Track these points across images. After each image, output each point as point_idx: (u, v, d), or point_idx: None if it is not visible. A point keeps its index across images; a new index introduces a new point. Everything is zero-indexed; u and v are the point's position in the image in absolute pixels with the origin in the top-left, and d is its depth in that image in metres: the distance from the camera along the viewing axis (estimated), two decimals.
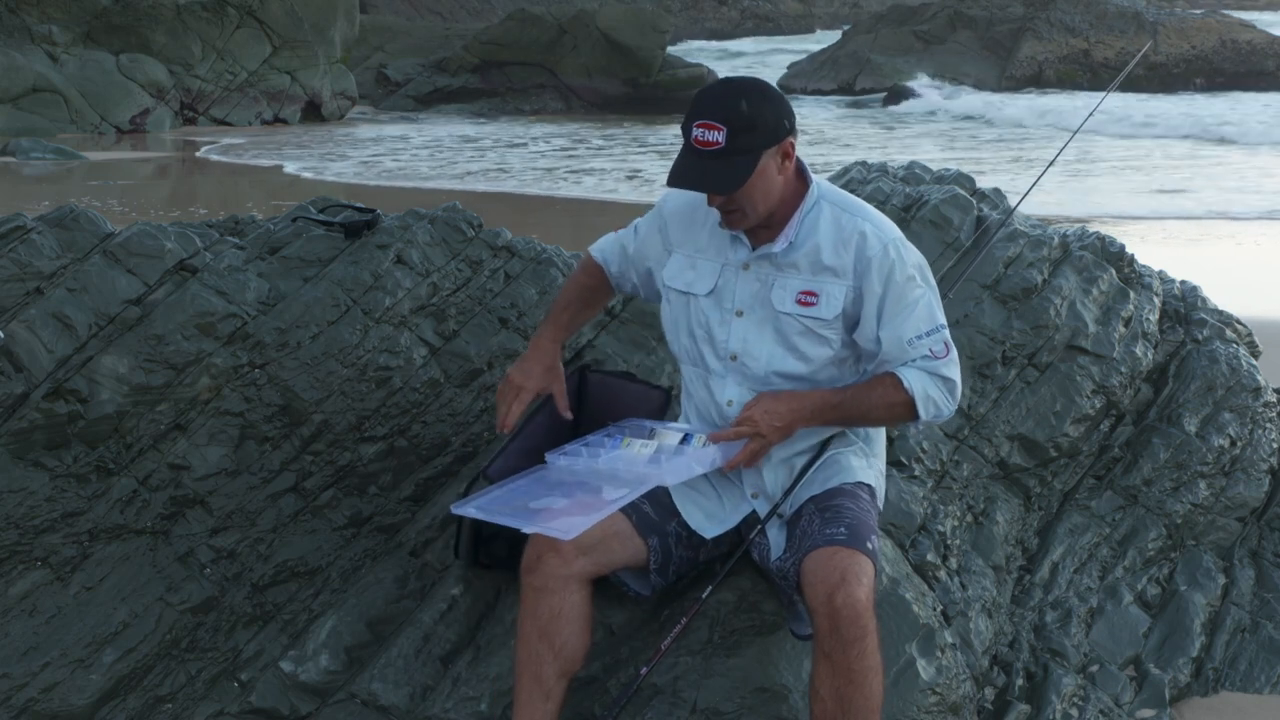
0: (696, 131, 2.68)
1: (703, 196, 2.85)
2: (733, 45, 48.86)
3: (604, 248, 3.19)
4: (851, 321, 2.82)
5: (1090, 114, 4.10)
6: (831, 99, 32.37)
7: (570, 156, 20.07)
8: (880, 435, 3.06)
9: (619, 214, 12.93)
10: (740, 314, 2.84)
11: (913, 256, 2.84)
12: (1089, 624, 3.64)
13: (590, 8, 32.10)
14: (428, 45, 35.00)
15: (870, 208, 2.90)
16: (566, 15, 31.60)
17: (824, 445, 2.90)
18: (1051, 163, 4.12)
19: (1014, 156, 19.38)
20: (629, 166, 18.61)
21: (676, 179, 2.75)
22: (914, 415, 2.80)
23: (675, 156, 2.77)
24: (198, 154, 20.55)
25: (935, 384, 2.80)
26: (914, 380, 2.78)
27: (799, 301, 2.81)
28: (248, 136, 23.07)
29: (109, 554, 3.24)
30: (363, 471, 3.51)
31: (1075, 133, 4.01)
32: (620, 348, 3.82)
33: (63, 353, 3.35)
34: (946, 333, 2.83)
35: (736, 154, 2.67)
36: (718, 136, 2.66)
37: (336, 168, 18.57)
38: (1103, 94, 4.11)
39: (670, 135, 23.32)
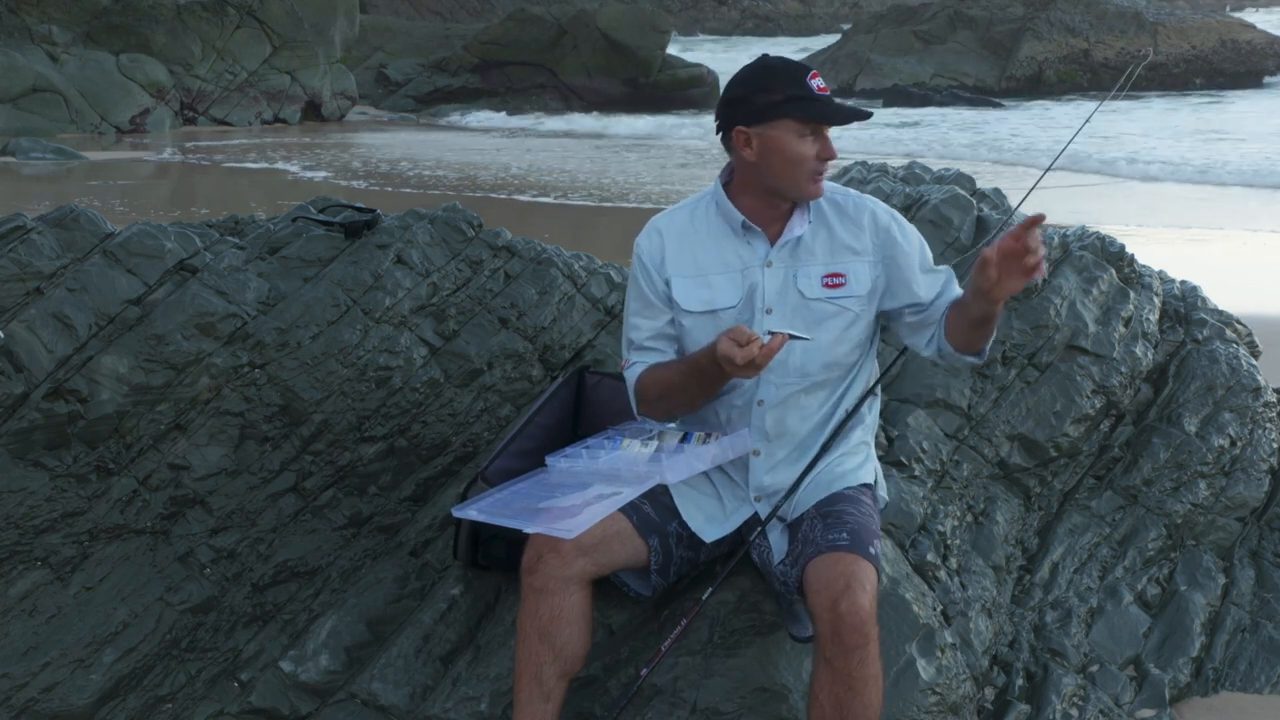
0: (816, 82, 2.80)
1: (681, 221, 2.94)
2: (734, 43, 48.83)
3: (638, 362, 2.94)
4: (884, 292, 2.90)
5: (1088, 119, 4.10)
6: None
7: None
8: (875, 424, 3.08)
9: (619, 216, 13.03)
10: (769, 311, 2.85)
11: None
12: (1089, 624, 3.63)
13: (590, 8, 32.10)
14: (428, 45, 35.02)
15: (855, 191, 3.01)
16: (566, 15, 31.62)
17: (824, 449, 2.90)
18: (1050, 166, 4.11)
19: None
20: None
21: (838, 115, 2.79)
22: (989, 340, 2.83)
23: (799, 104, 2.77)
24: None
25: None
26: None
27: (826, 285, 2.86)
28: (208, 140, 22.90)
29: (109, 554, 3.24)
30: (363, 471, 3.51)
31: (1074, 137, 4.01)
32: (620, 347, 3.82)
33: (63, 353, 3.35)
34: None
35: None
36: (830, 86, 2.83)
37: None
38: (1096, 104, 4.11)
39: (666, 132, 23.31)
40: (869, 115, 2.83)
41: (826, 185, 2.96)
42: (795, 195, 2.85)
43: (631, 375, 2.92)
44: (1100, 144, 19.38)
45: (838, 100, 2.82)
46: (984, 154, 20.44)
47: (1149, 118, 25.18)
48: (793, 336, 2.65)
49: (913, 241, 2.92)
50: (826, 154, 2.80)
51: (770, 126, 2.77)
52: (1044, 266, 2.60)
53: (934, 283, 2.91)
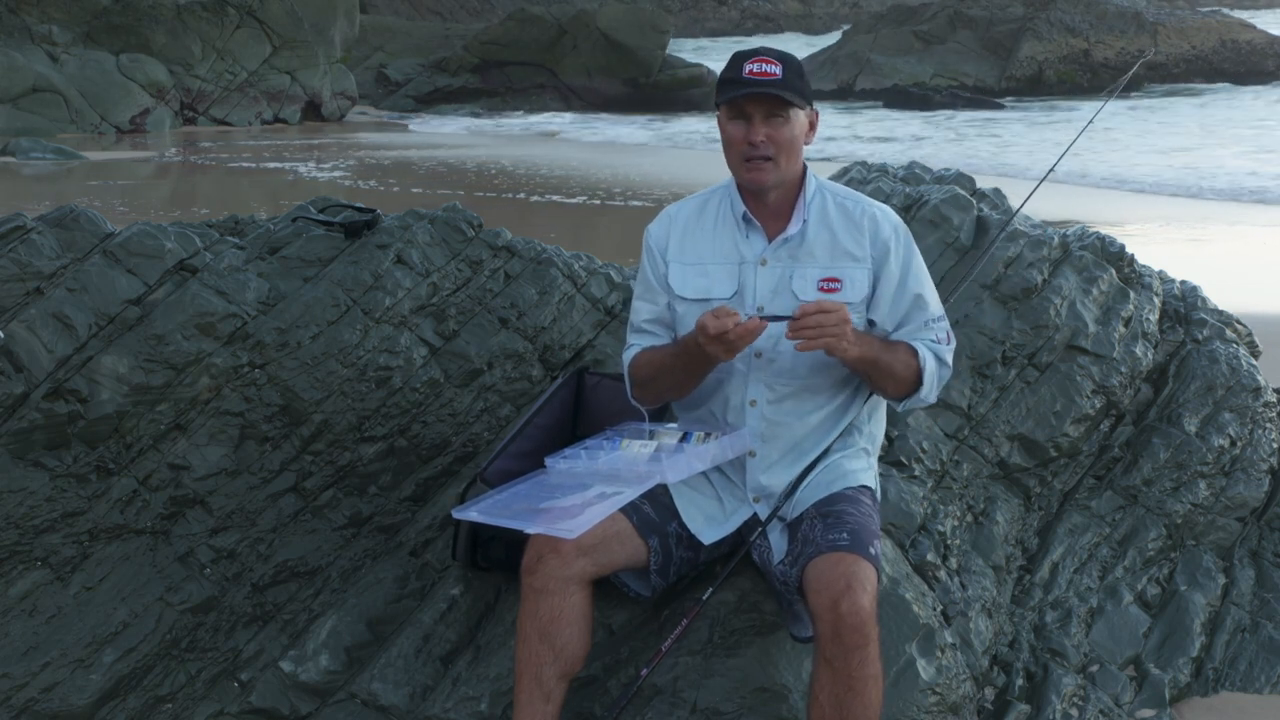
0: (752, 66, 2.75)
1: (691, 210, 2.94)
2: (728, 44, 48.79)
3: (635, 345, 2.99)
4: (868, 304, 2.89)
5: (1090, 120, 4.11)
6: None
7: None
8: (880, 433, 3.07)
9: (619, 216, 13.01)
10: (761, 309, 2.85)
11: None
12: (1089, 624, 3.64)
13: (590, 8, 32.14)
14: (428, 45, 35.05)
15: (864, 195, 2.99)
16: (566, 15, 31.65)
17: (826, 449, 2.90)
18: (1053, 167, 4.12)
19: None
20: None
21: (736, 89, 2.75)
22: (916, 389, 2.85)
23: (725, 87, 2.79)
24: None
25: (939, 366, 2.89)
26: (926, 357, 2.85)
27: (822, 289, 2.85)
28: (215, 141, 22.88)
29: (109, 554, 3.24)
30: (363, 471, 3.51)
31: (1076, 137, 4.02)
32: (620, 348, 3.82)
33: (63, 353, 3.35)
34: (947, 321, 2.94)
35: (789, 89, 2.75)
36: (775, 70, 2.75)
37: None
38: (1100, 103, 4.13)
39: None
40: (774, 92, 2.72)
41: (839, 189, 2.95)
42: (741, 182, 2.87)
43: (627, 357, 2.97)
44: (1101, 148, 19.39)
45: (764, 83, 2.74)
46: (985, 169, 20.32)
47: (1150, 119, 25.18)
48: (772, 318, 2.67)
49: (903, 264, 2.88)
50: (752, 137, 2.77)
51: (720, 112, 2.85)
52: (839, 340, 2.64)
53: (897, 313, 2.88)
